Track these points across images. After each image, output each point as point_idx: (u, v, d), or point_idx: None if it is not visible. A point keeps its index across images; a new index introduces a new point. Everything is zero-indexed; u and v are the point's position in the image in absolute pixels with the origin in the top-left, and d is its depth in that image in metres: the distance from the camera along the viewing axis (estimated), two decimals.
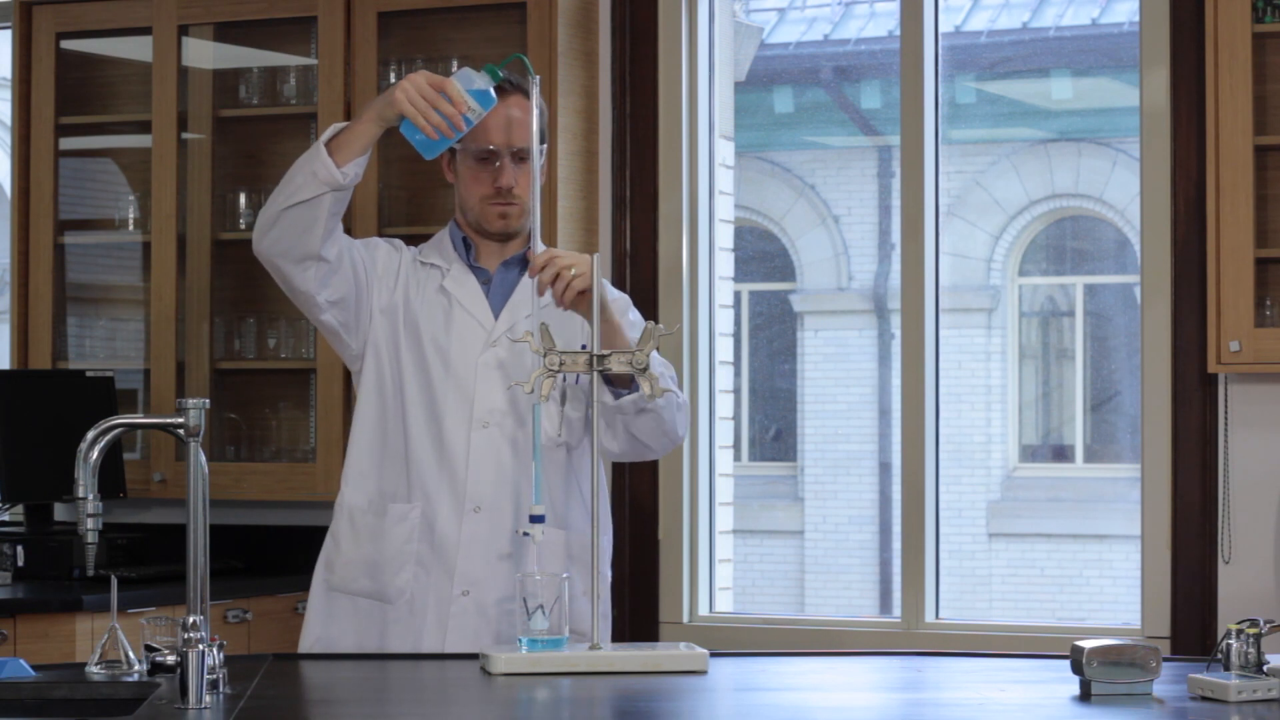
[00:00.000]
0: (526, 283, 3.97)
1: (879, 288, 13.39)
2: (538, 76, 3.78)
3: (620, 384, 3.85)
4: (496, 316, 3.99)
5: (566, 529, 3.98)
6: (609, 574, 4.09)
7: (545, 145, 3.92)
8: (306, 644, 4.03)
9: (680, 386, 5.63)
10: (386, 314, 3.99)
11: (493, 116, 3.92)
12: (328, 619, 4.01)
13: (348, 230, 5.65)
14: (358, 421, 4.01)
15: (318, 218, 3.81)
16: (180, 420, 3.20)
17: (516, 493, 3.92)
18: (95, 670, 3.41)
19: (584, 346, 3.84)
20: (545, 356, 3.68)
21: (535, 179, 3.82)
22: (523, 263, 4.03)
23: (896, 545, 6.98)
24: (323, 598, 4.03)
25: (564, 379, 3.89)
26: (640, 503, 5.66)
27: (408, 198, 5.76)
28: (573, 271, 3.76)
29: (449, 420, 3.95)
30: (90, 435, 3.20)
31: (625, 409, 3.85)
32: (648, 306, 5.63)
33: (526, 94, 3.95)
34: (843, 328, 13.47)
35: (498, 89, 3.90)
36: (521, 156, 3.96)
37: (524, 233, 4.04)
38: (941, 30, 5.58)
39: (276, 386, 5.95)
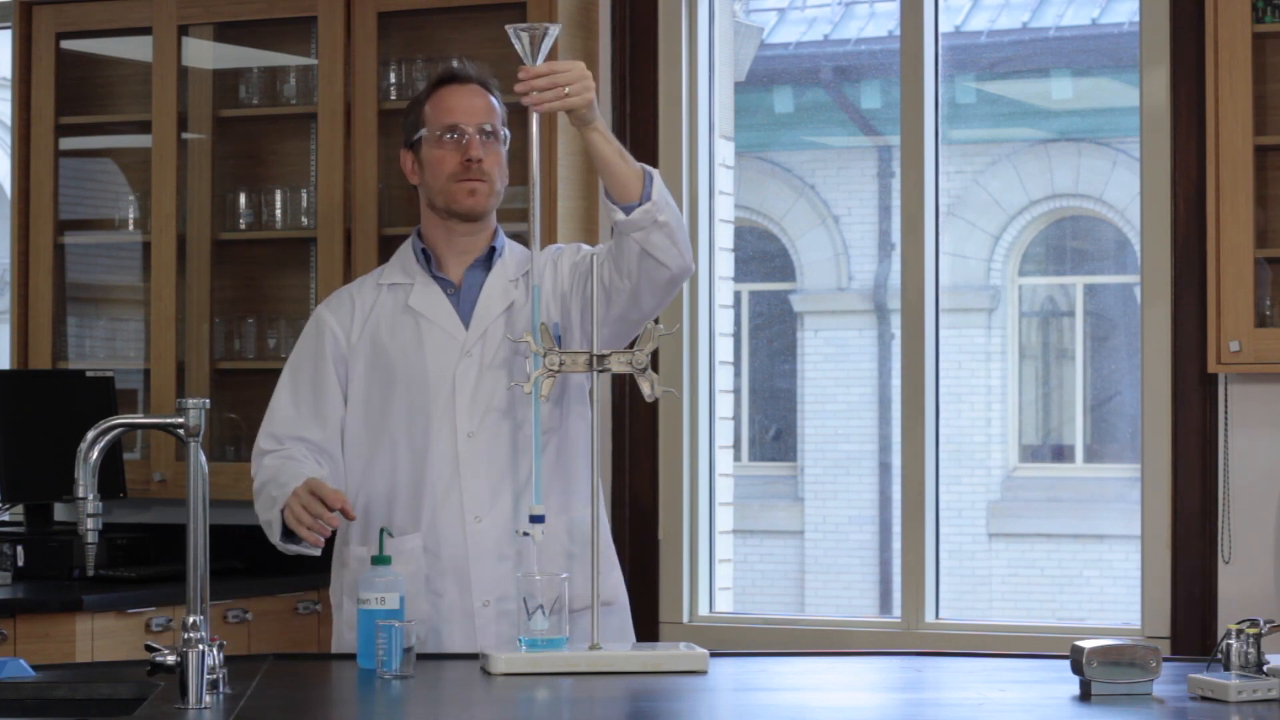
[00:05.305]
0: (491, 289, 3.97)
1: (879, 288, 13.39)
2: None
3: (620, 198, 3.80)
4: (467, 325, 3.98)
5: (566, 514, 3.95)
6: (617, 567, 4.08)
7: (508, 136, 4.01)
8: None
9: (680, 386, 5.63)
10: (363, 371, 4.01)
11: (454, 98, 3.96)
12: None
13: (347, 230, 5.66)
14: (349, 473, 4.01)
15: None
16: (180, 420, 3.20)
17: (514, 496, 3.91)
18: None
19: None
20: (545, 356, 3.68)
21: (534, 181, 3.82)
22: (486, 265, 4.03)
23: (896, 545, 6.97)
24: (349, 614, 4.00)
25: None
26: (640, 503, 5.65)
27: (408, 197, 5.76)
28: (568, 89, 3.71)
29: (434, 436, 3.93)
30: (90, 435, 3.20)
31: (640, 223, 3.80)
32: None
33: (485, 86, 4.01)
34: (843, 328, 13.46)
35: (457, 79, 4.00)
36: (486, 133, 3.97)
37: (490, 219, 4.04)
38: (941, 30, 5.58)
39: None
